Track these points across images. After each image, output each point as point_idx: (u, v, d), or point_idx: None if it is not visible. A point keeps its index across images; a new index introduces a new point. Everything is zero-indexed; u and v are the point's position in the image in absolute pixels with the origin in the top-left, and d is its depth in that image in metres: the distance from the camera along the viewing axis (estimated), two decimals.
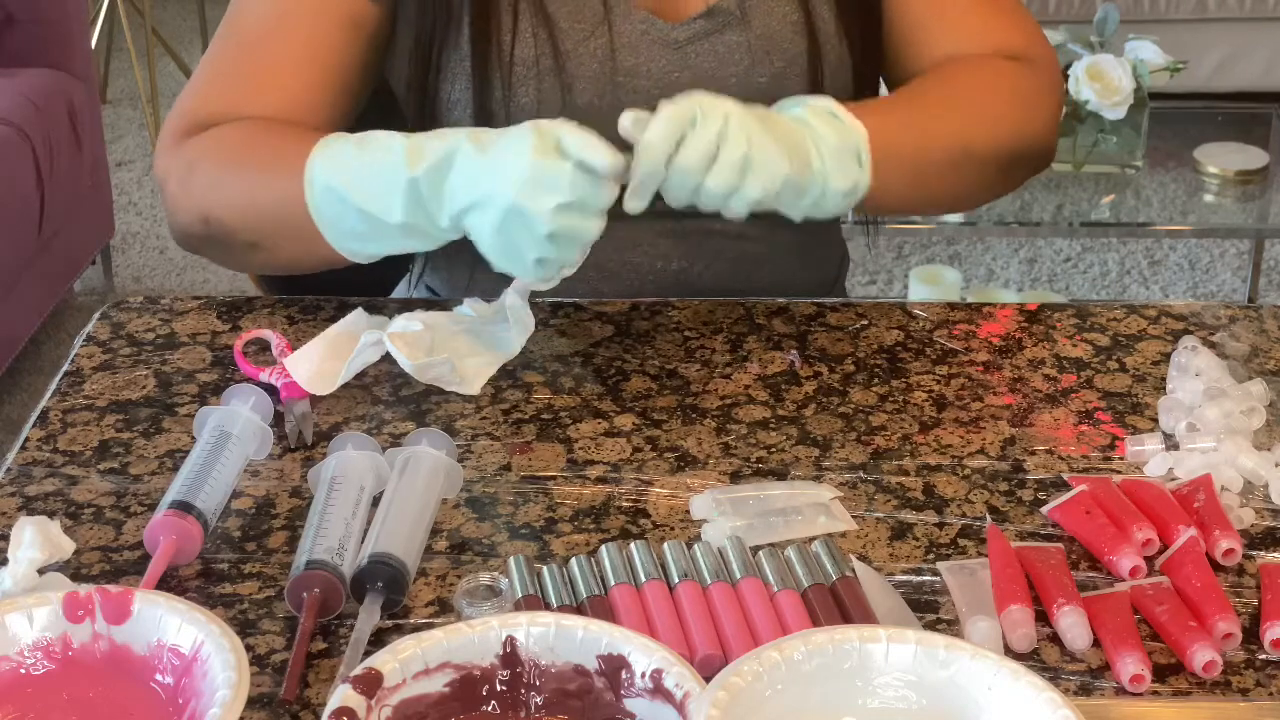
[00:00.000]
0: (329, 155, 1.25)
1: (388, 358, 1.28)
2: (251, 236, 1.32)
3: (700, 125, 1.19)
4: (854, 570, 1.06)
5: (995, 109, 1.39)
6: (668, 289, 1.42)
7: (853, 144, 1.26)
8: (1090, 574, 1.08)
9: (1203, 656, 0.99)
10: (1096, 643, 1.01)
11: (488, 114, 1.37)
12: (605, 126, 1.38)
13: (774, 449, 1.20)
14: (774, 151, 1.20)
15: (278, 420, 1.21)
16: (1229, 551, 1.08)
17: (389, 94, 1.45)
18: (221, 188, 1.33)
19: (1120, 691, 0.98)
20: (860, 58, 1.43)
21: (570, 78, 1.37)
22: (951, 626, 1.03)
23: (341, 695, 0.88)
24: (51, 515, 1.10)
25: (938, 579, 1.07)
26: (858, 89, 1.44)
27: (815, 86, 1.40)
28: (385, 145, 1.23)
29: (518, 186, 1.17)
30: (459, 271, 1.49)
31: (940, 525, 1.12)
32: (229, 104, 1.36)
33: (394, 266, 1.61)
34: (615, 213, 1.32)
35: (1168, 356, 1.30)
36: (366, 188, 1.23)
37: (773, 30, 1.40)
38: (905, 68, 1.45)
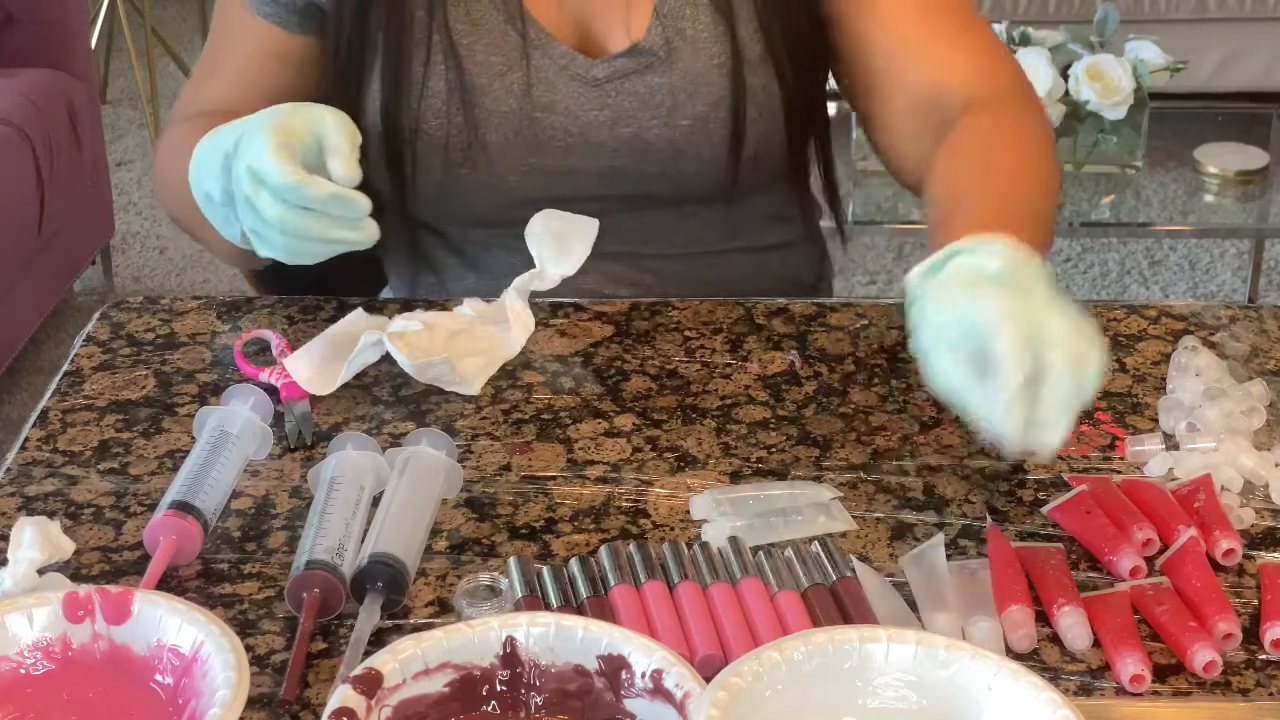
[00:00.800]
0: (201, 144, 1.27)
1: (388, 358, 1.28)
2: (189, 229, 1.39)
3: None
4: (854, 570, 1.06)
5: (1054, 180, 1.33)
6: None
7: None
8: (1090, 574, 1.08)
9: (1203, 657, 0.99)
10: (1096, 643, 1.01)
11: (397, 143, 1.38)
12: (522, 160, 1.38)
13: (774, 449, 1.20)
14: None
15: (278, 420, 1.21)
16: (1229, 551, 1.08)
17: None
18: (165, 190, 1.42)
19: (1120, 692, 0.98)
20: (792, 91, 1.39)
21: (485, 112, 1.37)
22: None
23: (341, 695, 0.88)
24: (51, 515, 1.10)
25: None
26: (789, 119, 1.41)
27: (739, 127, 1.38)
28: (227, 127, 1.25)
29: (241, 141, 1.19)
30: (404, 273, 1.51)
31: (940, 525, 1.12)
32: (196, 113, 1.41)
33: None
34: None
35: (1168, 356, 1.30)
36: (204, 168, 1.25)
37: (697, 73, 1.37)
38: (882, 99, 1.38)
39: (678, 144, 1.38)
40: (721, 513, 1.12)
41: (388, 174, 1.40)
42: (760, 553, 1.07)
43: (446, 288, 1.47)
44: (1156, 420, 1.23)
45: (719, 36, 1.37)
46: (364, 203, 1.18)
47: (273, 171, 1.16)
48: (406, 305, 1.38)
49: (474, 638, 0.92)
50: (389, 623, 1.03)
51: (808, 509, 1.13)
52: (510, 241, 1.37)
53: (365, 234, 1.19)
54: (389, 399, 1.26)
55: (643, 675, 0.91)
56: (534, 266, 1.33)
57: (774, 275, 1.51)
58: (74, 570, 1.07)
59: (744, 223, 1.48)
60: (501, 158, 1.38)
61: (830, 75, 1.45)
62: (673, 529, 1.12)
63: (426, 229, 1.46)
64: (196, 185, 1.27)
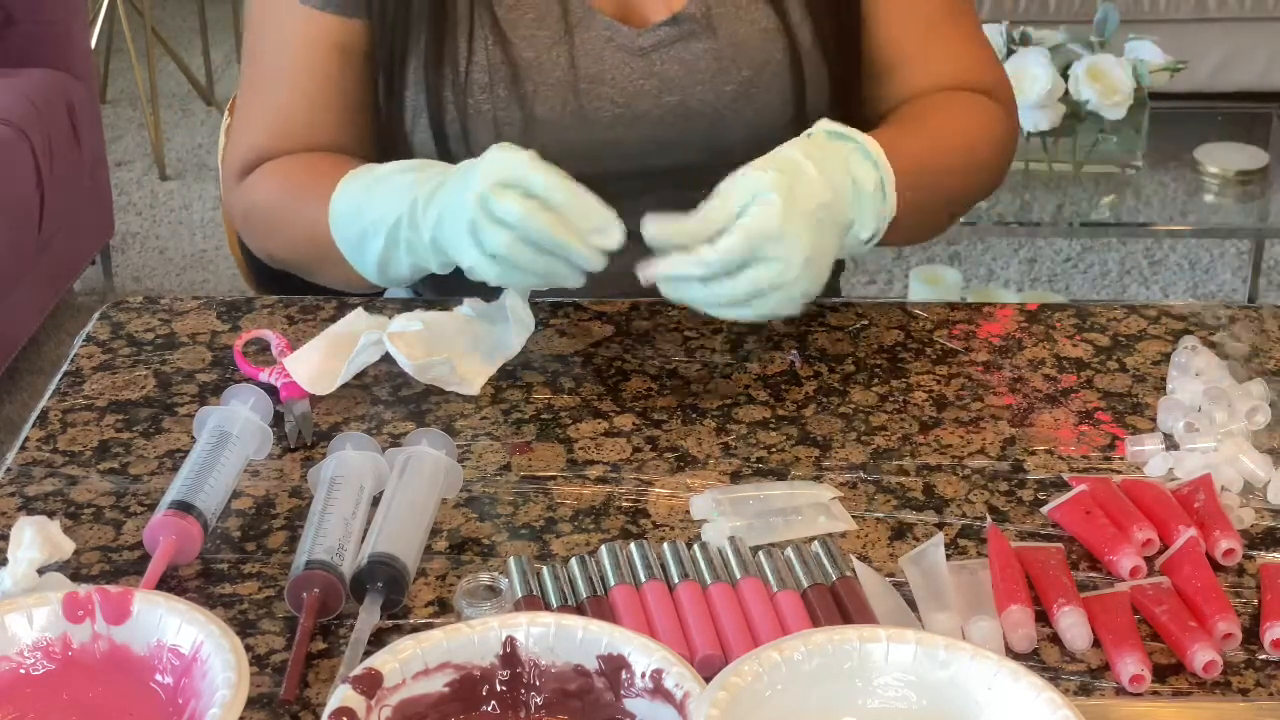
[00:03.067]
0: (344, 188, 1.31)
1: (388, 358, 1.28)
2: (305, 267, 1.42)
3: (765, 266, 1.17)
4: (854, 570, 1.06)
5: (987, 158, 1.43)
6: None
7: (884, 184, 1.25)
8: (1090, 574, 1.08)
9: (1203, 657, 0.99)
10: (1096, 643, 1.01)
11: (441, 122, 1.38)
12: (568, 134, 1.39)
13: (774, 449, 1.20)
14: (817, 274, 1.20)
15: (278, 420, 1.21)
16: (1229, 551, 1.08)
17: None
18: (273, 233, 1.43)
19: (1120, 691, 0.98)
20: (836, 67, 1.42)
21: (534, 84, 1.37)
22: None
23: (341, 695, 0.88)
24: (51, 515, 1.10)
25: None
26: (834, 98, 1.43)
27: (798, 94, 1.40)
28: (398, 175, 1.28)
29: (469, 171, 1.20)
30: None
31: (940, 525, 1.12)
32: (265, 143, 1.43)
33: None
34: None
35: (1168, 356, 1.30)
36: (376, 208, 1.28)
37: (741, 37, 1.39)
38: (886, 92, 1.45)
39: (722, 110, 1.40)
40: (721, 513, 1.12)
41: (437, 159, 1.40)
42: (760, 553, 1.07)
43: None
44: (1156, 420, 1.23)
45: (758, 1, 1.40)
46: (609, 216, 1.18)
47: (535, 178, 1.16)
48: (406, 305, 1.38)
49: (474, 638, 0.92)
50: (389, 623, 1.03)
51: (808, 509, 1.13)
52: None
53: (593, 259, 1.18)
54: (389, 399, 1.26)
55: (643, 675, 0.91)
56: None
57: None
58: (74, 570, 1.07)
59: None
60: (550, 132, 1.39)
61: None
62: (673, 529, 1.12)
63: None
64: (349, 223, 1.30)
